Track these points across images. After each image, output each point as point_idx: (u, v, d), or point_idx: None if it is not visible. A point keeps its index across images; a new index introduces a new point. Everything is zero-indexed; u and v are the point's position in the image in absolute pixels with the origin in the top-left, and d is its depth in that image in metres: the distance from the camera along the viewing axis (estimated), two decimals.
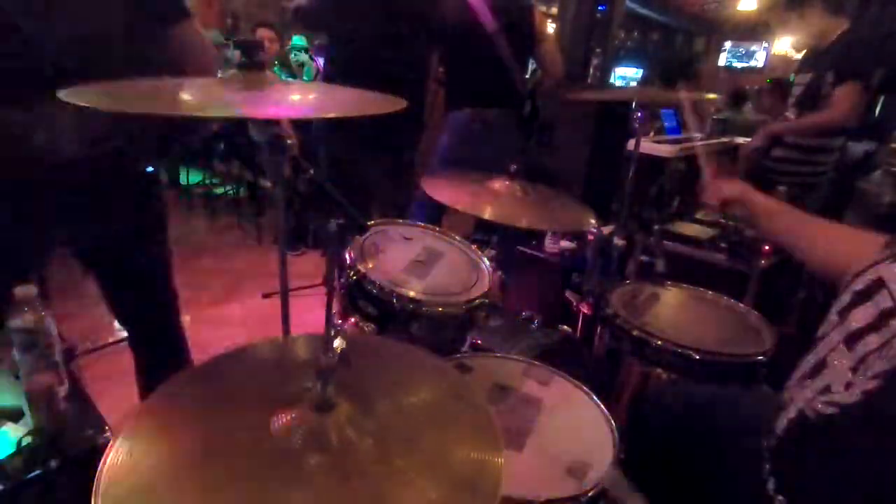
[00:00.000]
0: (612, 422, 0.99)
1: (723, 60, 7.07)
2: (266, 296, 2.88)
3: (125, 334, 2.43)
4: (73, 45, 1.08)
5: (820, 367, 0.78)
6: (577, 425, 1.00)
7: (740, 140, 4.02)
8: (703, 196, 1.27)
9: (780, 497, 0.78)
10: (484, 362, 1.19)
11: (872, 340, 0.71)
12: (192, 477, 0.56)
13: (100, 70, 0.94)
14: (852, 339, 0.74)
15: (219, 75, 1.39)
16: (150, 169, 1.35)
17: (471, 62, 2.35)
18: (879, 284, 0.75)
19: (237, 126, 3.87)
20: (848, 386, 0.71)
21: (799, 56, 2.69)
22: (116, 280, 1.44)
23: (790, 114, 2.48)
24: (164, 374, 0.67)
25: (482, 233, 2.57)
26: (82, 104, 0.65)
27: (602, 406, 1.04)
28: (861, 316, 0.75)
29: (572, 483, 0.86)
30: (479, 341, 1.47)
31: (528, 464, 0.90)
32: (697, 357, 1.24)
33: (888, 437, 0.67)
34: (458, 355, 1.22)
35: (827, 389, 0.74)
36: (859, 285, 0.79)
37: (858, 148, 3.33)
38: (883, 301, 0.72)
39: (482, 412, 0.69)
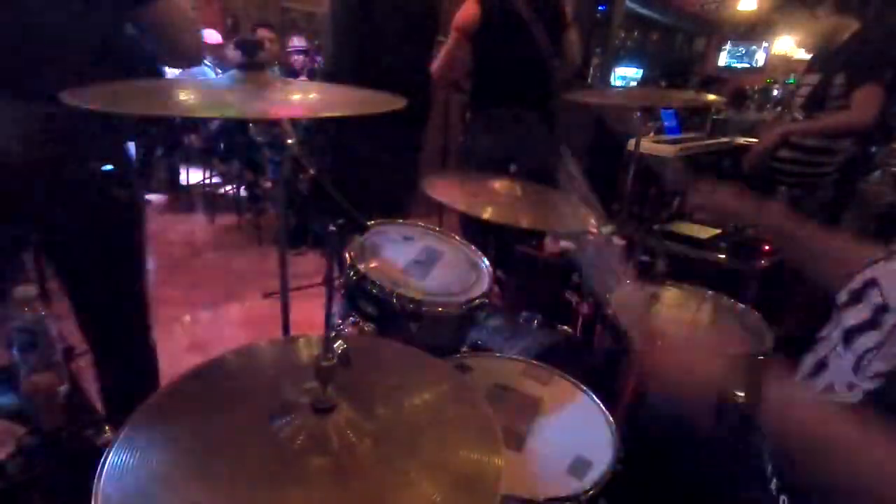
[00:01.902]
0: (612, 421, 0.99)
1: (723, 60, 7.07)
2: (266, 296, 2.88)
3: None
4: (15, 42, 1.00)
5: (820, 366, 0.78)
6: (576, 424, 1.00)
7: (741, 140, 4.02)
8: None
9: (784, 497, 0.78)
10: (484, 362, 1.19)
11: (869, 338, 0.72)
12: (191, 477, 0.56)
13: (54, 65, 0.88)
14: (848, 336, 0.75)
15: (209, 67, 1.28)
16: (108, 168, 1.22)
17: (507, 56, 2.27)
18: (872, 283, 0.75)
19: (237, 126, 3.87)
20: (851, 386, 0.71)
21: (797, 56, 2.69)
22: (77, 286, 1.36)
23: (797, 115, 2.47)
24: (127, 394, 0.63)
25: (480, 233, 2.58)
26: (84, 105, 0.65)
27: (602, 405, 1.04)
28: (855, 314, 0.75)
29: (572, 482, 0.86)
30: (479, 341, 1.47)
31: (528, 463, 0.90)
32: None
33: (889, 435, 0.67)
34: (458, 355, 1.22)
35: (830, 389, 0.75)
36: (856, 284, 0.79)
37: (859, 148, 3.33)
38: (874, 298, 0.73)
39: (482, 413, 0.69)
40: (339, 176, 2.17)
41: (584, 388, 1.09)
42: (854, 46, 2.28)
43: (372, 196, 2.24)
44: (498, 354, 1.22)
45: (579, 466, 0.88)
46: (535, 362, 1.18)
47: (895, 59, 2.27)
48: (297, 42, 4.48)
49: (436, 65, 2.35)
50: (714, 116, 4.61)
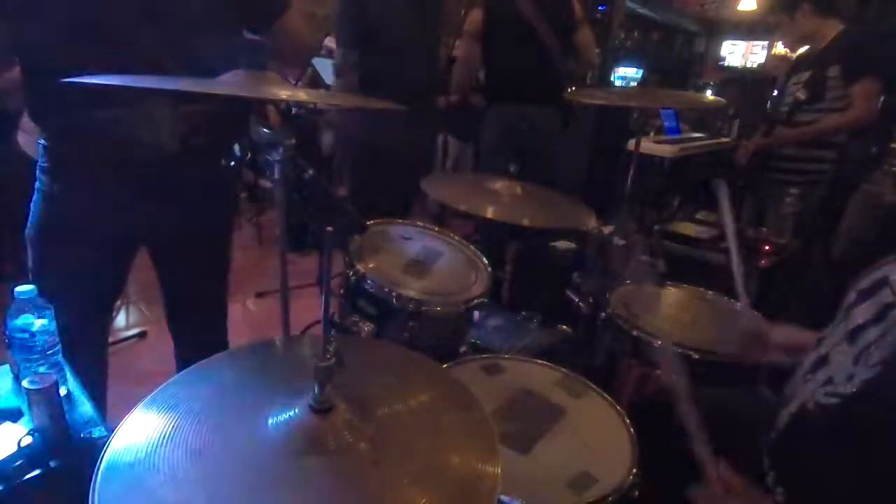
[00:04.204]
0: (637, 445, 0.95)
1: (723, 61, 7.07)
2: (259, 295, 2.88)
3: (125, 334, 2.44)
4: (175, 44, 1.11)
5: (822, 362, 0.79)
6: (595, 441, 0.96)
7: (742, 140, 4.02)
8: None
9: (780, 489, 0.78)
10: (519, 366, 1.17)
11: (872, 332, 0.72)
12: (189, 476, 0.56)
13: (198, 67, 0.98)
14: (853, 334, 0.76)
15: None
16: (231, 164, 1.37)
17: (513, 55, 2.35)
18: (883, 283, 0.76)
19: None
20: (850, 377, 0.72)
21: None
22: (177, 278, 1.44)
23: (804, 117, 2.46)
24: None
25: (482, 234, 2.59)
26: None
27: (631, 429, 0.99)
28: (863, 312, 0.76)
29: (569, 496, 0.84)
30: (478, 341, 1.47)
31: (528, 468, 0.89)
32: (697, 357, 1.24)
33: (887, 423, 0.68)
34: (493, 355, 1.21)
35: (829, 381, 0.76)
36: (864, 284, 0.80)
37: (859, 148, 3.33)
38: (884, 297, 0.73)
39: (480, 417, 0.69)
40: (358, 177, 2.17)
41: (618, 407, 1.05)
42: (849, 41, 2.30)
43: (407, 195, 2.25)
44: (538, 361, 1.19)
45: (581, 482, 0.86)
46: (572, 374, 1.14)
47: (890, 55, 2.28)
48: None
49: (455, 71, 2.49)
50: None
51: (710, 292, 1.56)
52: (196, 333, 1.53)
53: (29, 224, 1.22)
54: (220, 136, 1.30)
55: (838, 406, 0.72)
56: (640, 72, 5.05)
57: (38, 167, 1.19)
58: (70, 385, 1.03)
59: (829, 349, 0.79)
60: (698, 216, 2.62)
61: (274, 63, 1.39)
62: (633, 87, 4.78)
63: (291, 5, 1.30)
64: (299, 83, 3.41)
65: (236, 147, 1.38)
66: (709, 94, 4.66)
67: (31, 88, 1.14)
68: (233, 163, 1.35)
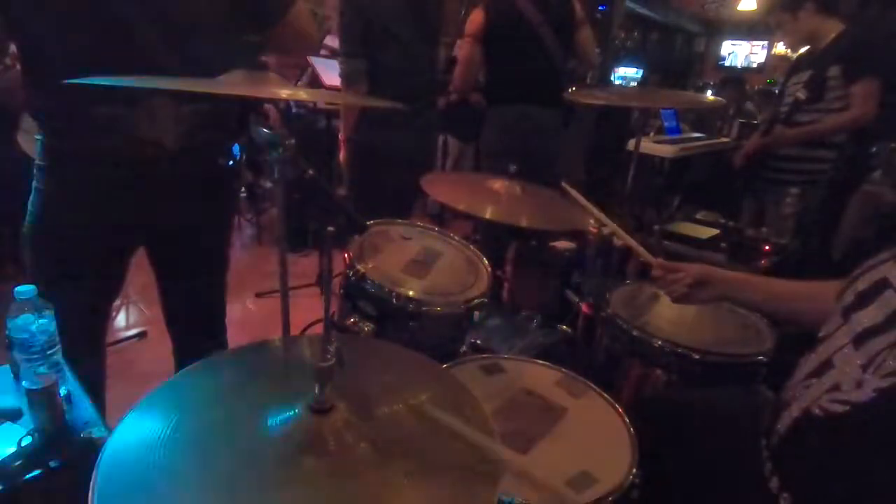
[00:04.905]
0: (636, 444, 0.95)
1: (723, 60, 7.08)
2: (259, 295, 2.89)
3: (125, 334, 2.44)
4: (176, 43, 1.12)
5: (826, 366, 0.78)
6: (595, 440, 0.96)
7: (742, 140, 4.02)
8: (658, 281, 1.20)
9: (785, 495, 0.78)
10: (519, 366, 1.17)
11: (882, 339, 0.71)
12: (189, 477, 0.56)
13: (199, 66, 0.99)
14: (861, 338, 0.74)
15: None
16: (230, 163, 1.37)
17: (515, 56, 2.36)
18: (884, 284, 0.75)
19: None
20: (859, 384, 0.71)
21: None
22: (176, 278, 1.44)
23: (804, 117, 2.45)
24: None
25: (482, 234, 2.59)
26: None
27: (630, 427, 0.99)
28: (868, 316, 0.75)
29: (569, 495, 0.84)
30: (478, 341, 1.47)
31: (528, 468, 0.89)
32: (697, 357, 1.24)
33: None
34: (493, 355, 1.21)
35: (836, 388, 0.74)
36: (862, 285, 0.79)
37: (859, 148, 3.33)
38: (890, 301, 0.73)
39: (480, 416, 0.69)
40: (358, 177, 2.17)
41: (618, 406, 1.05)
42: (850, 42, 2.30)
43: (409, 196, 2.24)
44: (538, 362, 1.19)
45: (581, 481, 0.86)
46: (572, 374, 1.14)
47: (890, 55, 2.28)
48: None
49: (456, 72, 2.49)
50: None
51: None
52: (195, 333, 1.52)
53: (26, 223, 1.22)
54: (220, 136, 1.29)
55: (848, 414, 0.71)
56: (640, 72, 5.06)
57: (35, 166, 1.19)
58: (70, 385, 1.03)
59: (833, 353, 0.78)
60: (698, 216, 2.62)
61: (275, 56, 1.39)
62: (633, 87, 4.79)
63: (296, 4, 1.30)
64: (299, 83, 3.41)
65: (236, 147, 1.37)
66: (709, 94, 4.67)
67: (32, 86, 1.14)
68: (232, 162, 1.34)
